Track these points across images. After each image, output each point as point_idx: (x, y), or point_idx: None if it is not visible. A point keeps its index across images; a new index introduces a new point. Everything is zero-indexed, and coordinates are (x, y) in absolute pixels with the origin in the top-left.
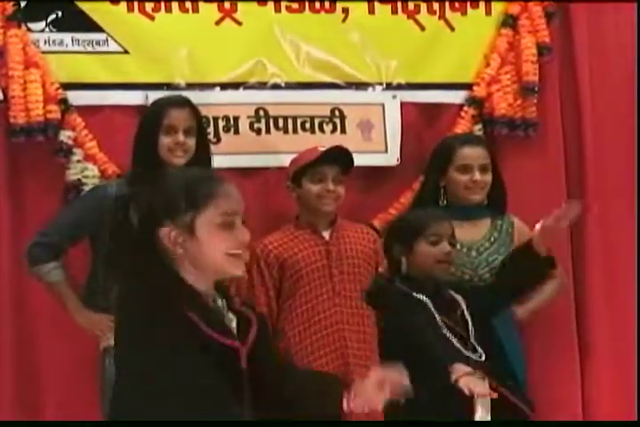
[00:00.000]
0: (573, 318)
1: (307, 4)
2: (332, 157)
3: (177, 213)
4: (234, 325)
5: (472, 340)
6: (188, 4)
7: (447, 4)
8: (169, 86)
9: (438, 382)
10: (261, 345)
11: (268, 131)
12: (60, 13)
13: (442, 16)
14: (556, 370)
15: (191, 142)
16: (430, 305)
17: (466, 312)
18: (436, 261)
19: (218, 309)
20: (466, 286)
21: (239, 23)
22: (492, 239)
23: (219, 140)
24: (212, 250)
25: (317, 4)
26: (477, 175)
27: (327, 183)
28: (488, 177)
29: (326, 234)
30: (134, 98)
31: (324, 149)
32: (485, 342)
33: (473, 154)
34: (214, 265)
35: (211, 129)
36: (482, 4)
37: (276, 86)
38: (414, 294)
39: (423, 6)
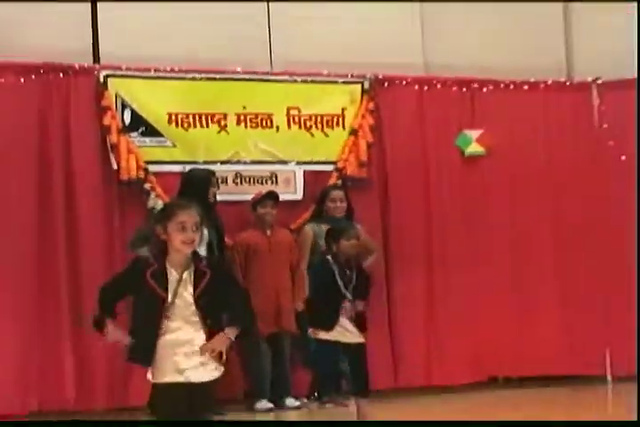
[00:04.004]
0: (384, 278)
1: (261, 122)
2: (269, 196)
3: (161, 221)
4: (188, 277)
5: (350, 288)
6: (211, 126)
7: (324, 126)
8: (195, 163)
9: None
10: (210, 288)
11: (241, 183)
12: (144, 128)
13: (322, 130)
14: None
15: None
16: (335, 267)
17: (353, 274)
18: (351, 248)
19: (167, 272)
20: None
21: (228, 133)
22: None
23: (219, 187)
24: (174, 240)
25: (266, 124)
26: (339, 204)
27: (267, 209)
28: (345, 204)
29: (269, 232)
30: (178, 168)
31: (265, 192)
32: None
33: (338, 195)
34: (175, 247)
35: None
36: (340, 123)
37: (243, 162)
38: (330, 259)
39: (312, 124)
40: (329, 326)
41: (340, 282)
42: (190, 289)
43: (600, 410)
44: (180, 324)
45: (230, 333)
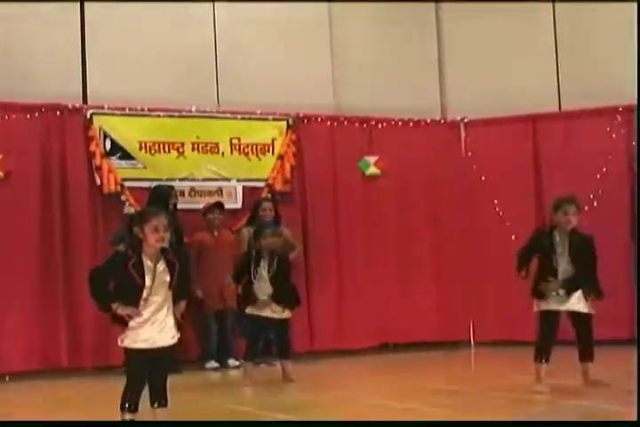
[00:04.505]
0: (303, 267)
1: (210, 149)
2: (216, 205)
3: (138, 223)
4: (162, 266)
5: (271, 273)
6: (172, 152)
7: (258, 153)
8: (160, 180)
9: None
10: (179, 275)
11: (195, 196)
12: (121, 153)
13: (256, 155)
14: None
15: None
16: (264, 256)
17: (275, 261)
18: (270, 244)
19: (144, 263)
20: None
21: (185, 157)
22: (280, 235)
23: (177, 199)
24: (149, 238)
25: (214, 150)
26: (268, 212)
27: (215, 215)
28: (273, 212)
29: (216, 233)
30: (147, 184)
31: (213, 202)
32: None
33: (267, 205)
34: (150, 243)
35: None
36: (271, 150)
37: (197, 180)
38: (254, 253)
39: (249, 151)
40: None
41: (253, 268)
42: (165, 277)
43: (465, 367)
44: (151, 302)
45: (183, 303)
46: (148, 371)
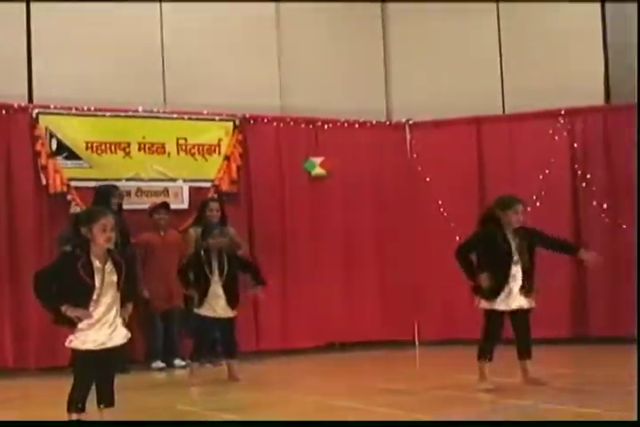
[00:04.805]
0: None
1: (156, 150)
2: (163, 206)
3: (86, 223)
4: (109, 266)
5: (224, 273)
6: (118, 152)
7: (204, 153)
8: (107, 180)
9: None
10: (126, 276)
11: (142, 196)
12: (67, 153)
13: (203, 156)
14: None
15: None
16: (214, 256)
17: (225, 261)
18: (217, 244)
19: (92, 263)
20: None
21: (131, 157)
22: (226, 235)
23: (122, 199)
24: (98, 238)
25: (161, 151)
26: (214, 212)
27: (161, 215)
28: (219, 213)
29: (162, 233)
30: (93, 184)
31: (159, 202)
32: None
33: (214, 205)
34: (99, 243)
35: None
36: (217, 150)
37: (142, 180)
38: (203, 253)
39: (195, 152)
40: (199, 303)
41: (206, 268)
42: (113, 277)
43: (410, 366)
44: (100, 303)
45: (130, 305)
46: (96, 371)
